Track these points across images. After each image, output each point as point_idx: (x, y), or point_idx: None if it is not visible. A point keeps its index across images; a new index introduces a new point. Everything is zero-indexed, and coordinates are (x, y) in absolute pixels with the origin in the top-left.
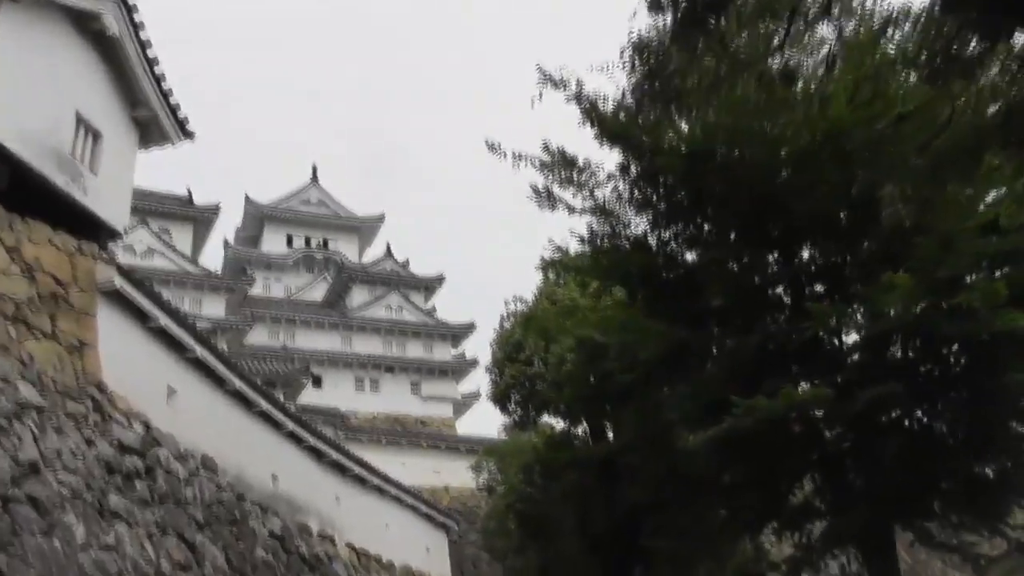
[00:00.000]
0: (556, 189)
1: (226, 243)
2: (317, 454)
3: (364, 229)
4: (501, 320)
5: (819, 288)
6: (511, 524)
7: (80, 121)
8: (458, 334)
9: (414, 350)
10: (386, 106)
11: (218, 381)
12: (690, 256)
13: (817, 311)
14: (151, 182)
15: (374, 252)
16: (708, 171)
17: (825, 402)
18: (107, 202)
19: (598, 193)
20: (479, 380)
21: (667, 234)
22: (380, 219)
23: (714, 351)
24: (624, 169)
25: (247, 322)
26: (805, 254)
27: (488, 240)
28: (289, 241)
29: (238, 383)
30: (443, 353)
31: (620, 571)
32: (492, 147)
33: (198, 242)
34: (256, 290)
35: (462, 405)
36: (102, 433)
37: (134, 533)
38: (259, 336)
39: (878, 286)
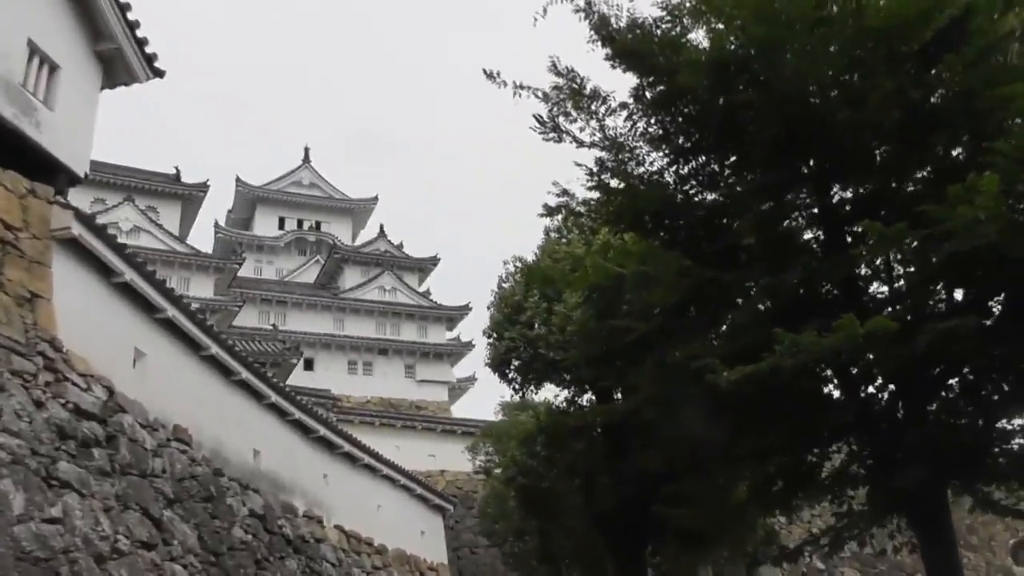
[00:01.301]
0: (562, 121)
1: (217, 225)
2: (303, 429)
3: (357, 211)
4: (499, 281)
5: (857, 229)
6: (511, 501)
7: (34, 51)
8: (453, 316)
9: (408, 332)
10: (372, 93)
11: (192, 345)
12: (711, 196)
13: (875, 230)
14: (138, 161)
15: (367, 235)
16: (736, 88)
17: (886, 338)
18: (65, 141)
19: (609, 123)
20: (475, 364)
21: (686, 169)
22: (374, 201)
23: (740, 295)
24: (639, 96)
25: (236, 302)
26: (842, 194)
27: (482, 226)
28: (281, 224)
29: (215, 348)
30: (438, 336)
31: (629, 550)
32: (490, 76)
33: (186, 221)
34: (247, 272)
35: (457, 389)
36: (55, 395)
37: (87, 505)
38: (249, 318)
39: (950, 197)
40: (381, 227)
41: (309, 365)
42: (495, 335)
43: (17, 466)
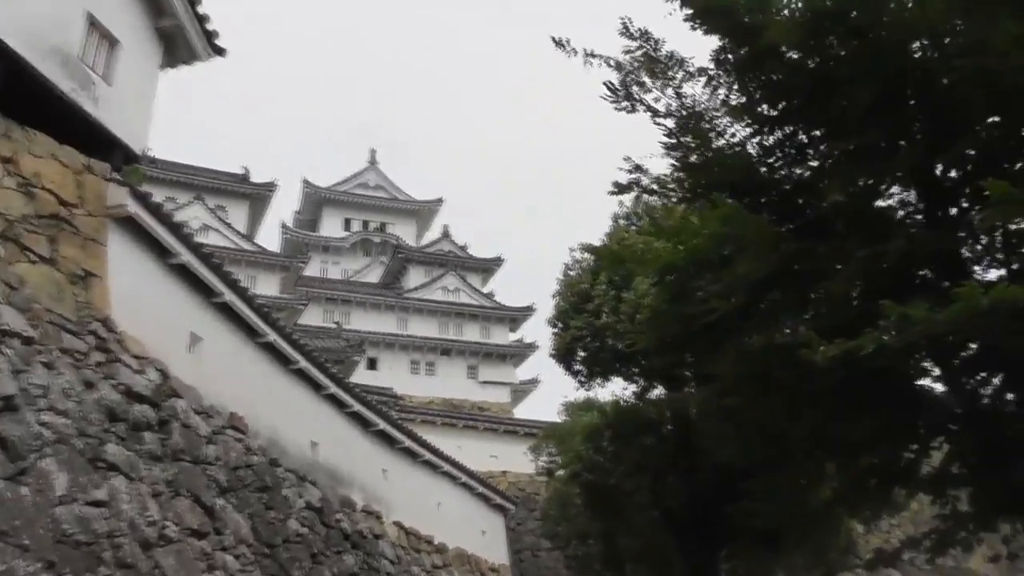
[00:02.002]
0: (636, 91)
1: (284, 226)
2: (362, 422)
3: (422, 213)
4: (565, 269)
5: (964, 204)
6: (576, 500)
7: (93, 24)
8: (516, 317)
9: (471, 333)
10: (397, 95)
11: (249, 332)
12: (798, 170)
13: (999, 190)
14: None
15: (431, 237)
16: (830, 45)
17: (1008, 313)
18: (124, 118)
19: (687, 90)
20: (538, 367)
21: (771, 140)
22: (438, 203)
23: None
24: (720, 60)
25: (301, 301)
26: (945, 165)
27: (545, 229)
28: (347, 225)
29: (272, 335)
30: (501, 337)
31: (701, 552)
32: (559, 43)
33: (254, 220)
34: (313, 272)
35: (520, 392)
36: (106, 375)
37: (134, 489)
38: (314, 317)
39: None
40: (445, 228)
41: (372, 364)
42: (560, 324)
43: (62, 446)
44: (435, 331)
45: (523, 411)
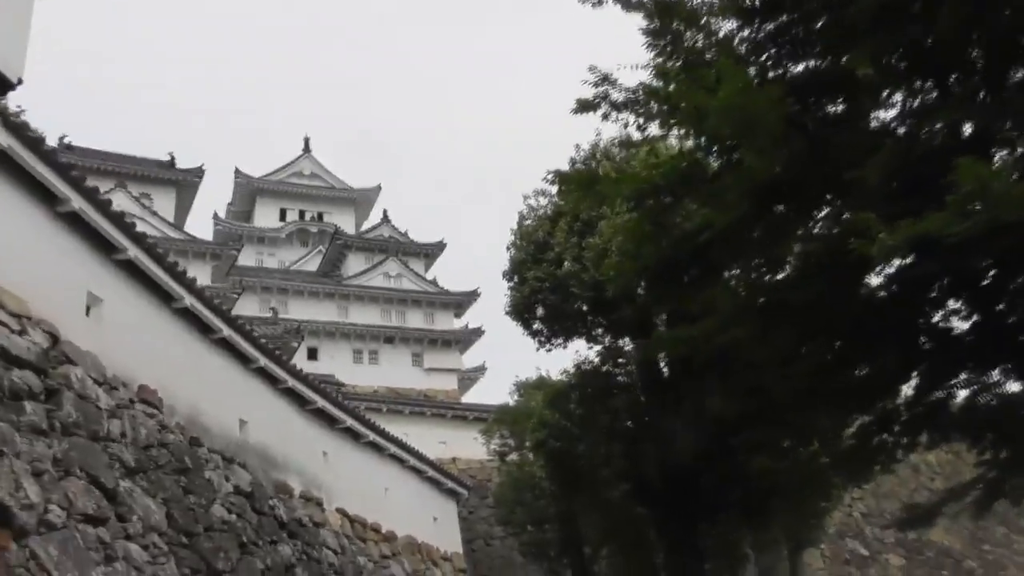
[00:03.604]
0: None
1: (216, 217)
2: (298, 400)
3: (360, 201)
4: (520, 218)
5: None
6: (533, 481)
7: None
8: (461, 302)
9: (415, 319)
10: (375, 90)
11: (162, 296)
12: (797, 67)
13: None
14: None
15: (371, 225)
16: None
17: None
18: None
19: None
20: (484, 353)
21: (762, 33)
22: (376, 190)
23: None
24: None
25: (235, 290)
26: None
27: (488, 221)
28: (282, 215)
29: (189, 299)
30: (446, 323)
31: (677, 526)
32: None
33: (182, 208)
34: (249, 264)
35: (468, 379)
36: None
37: (5, 465)
38: (249, 307)
39: None
40: (384, 212)
41: (313, 355)
42: (516, 277)
43: None
44: (377, 318)
45: (471, 399)
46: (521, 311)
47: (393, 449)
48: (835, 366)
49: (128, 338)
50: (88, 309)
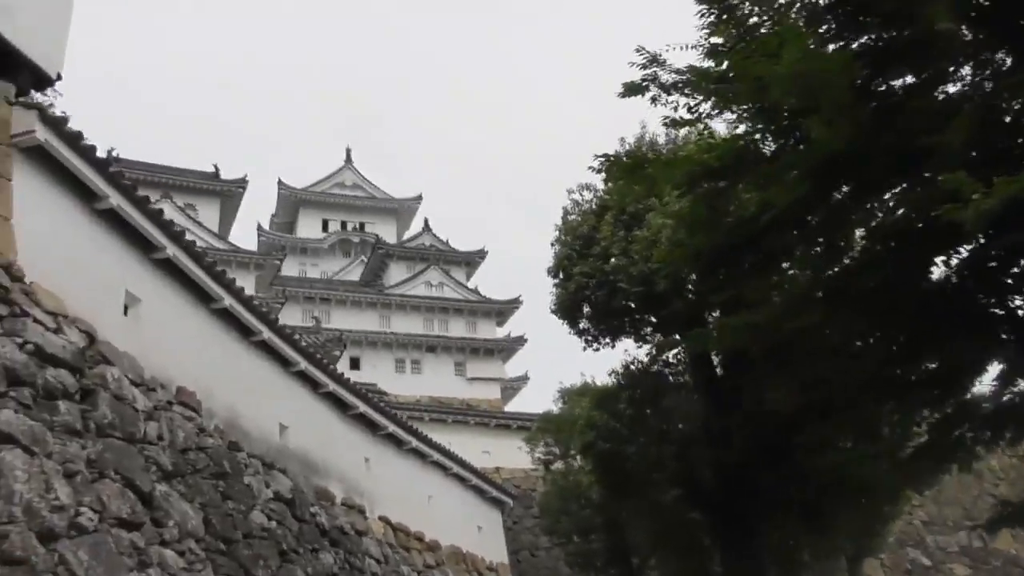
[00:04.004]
0: None
1: (260, 228)
2: (340, 404)
3: (401, 211)
4: (564, 213)
5: None
6: (580, 489)
7: None
8: (503, 311)
9: (457, 328)
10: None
11: (201, 296)
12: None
13: None
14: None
15: (412, 235)
16: None
17: None
18: (33, 34)
19: None
20: (527, 362)
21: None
22: (418, 200)
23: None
24: None
25: (278, 300)
26: None
27: (529, 228)
28: (325, 226)
29: (228, 300)
30: (488, 331)
31: (735, 532)
32: None
33: (225, 218)
34: (291, 275)
35: (510, 389)
36: (7, 331)
37: (36, 466)
38: (292, 317)
39: None
40: (426, 221)
41: (355, 364)
42: (562, 274)
43: None
44: (419, 327)
45: (514, 409)
46: (567, 309)
47: (436, 456)
48: (904, 357)
49: (166, 339)
50: (126, 308)
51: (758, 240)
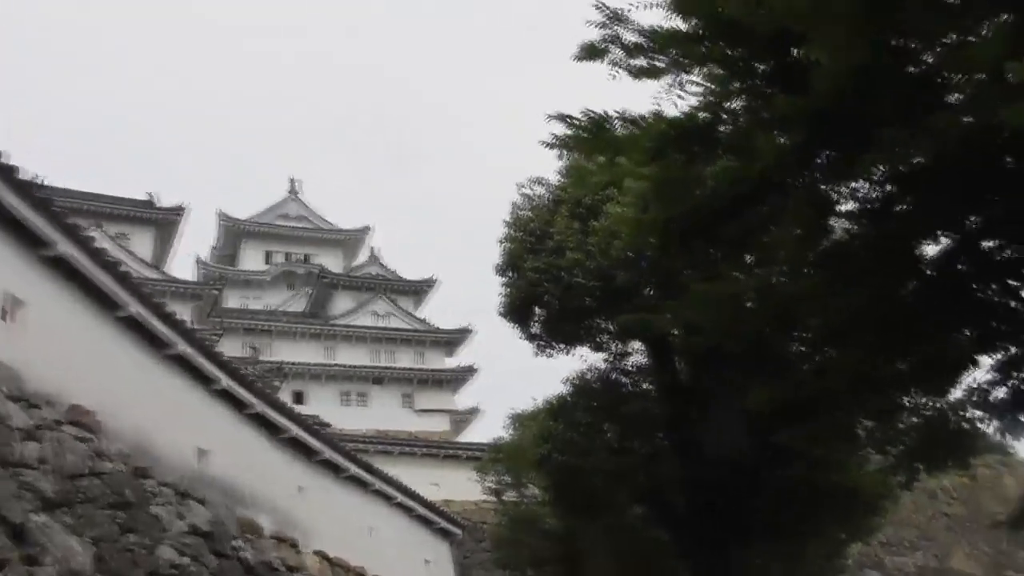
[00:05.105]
0: None
1: (199, 260)
2: (270, 428)
3: (348, 242)
4: (514, 208)
5: None
6: (535, 518)
7: None
8: (453, 340)
9: (404, 359)
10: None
11: (104, 302)
12: None
13: None
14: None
15: (359, 263)
16: None
17: None
18: None
19: None
20: (478, 394)
21: None
22: (365, 231)
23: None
24: None
25: (216, 332)
26: None
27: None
28: (268, 258)
29: (136, 307)
30: (437, 361)
31: (707, 553)
32: None
33: (161, 248)
34: (233, 306)
35: (461, 421)
36: None
37: None
38: (232, 349)
39: None
40: (373, 250)
41: (299, 398)
42: (512, 271)
43: None
44: (366, 359)
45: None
46: (518, 310)
47: (378, 484)
48: (896, 346)
49: (58, 349)
50: (4, 312)
51: (736, 209)
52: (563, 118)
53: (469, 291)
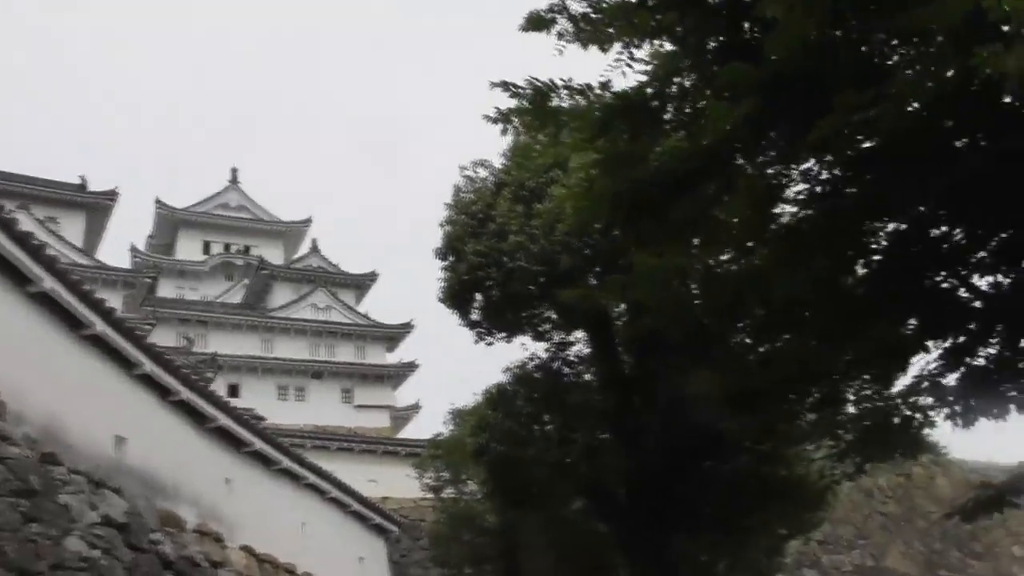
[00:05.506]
0: None
1: (134, 249)
2: (197, 416)
3: (289, 234)
4: (456, 191)
5: None
6: (480, 486)
7: None
8: (394, 336)
9: (344, 354)
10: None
11: (14, 277)
12: None
13: None
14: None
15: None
16: None
17: None
18: None
19: None
20: (419, 390)
21: None
22: (306, 223)
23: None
24: None
25: (148, 321)
26: None
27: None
28: (206, 248)
29: (50, 283)
30: (377, 357)
31: (647, 545)
32: None
33: (93, 233)
34: (168, 296)
35: (401, 418)
36: None
37: None
38: (165, 339)
39: None
40: (314, 242)
41: (234, 391)
42: (452, 256)
43: None
44: (305, 353)
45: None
46: (458, 295)
47: (312, 478)
48: (845, 332)
49: None
50: None
51: (684, 188)
52: (506, 86)
53: (415, 288)
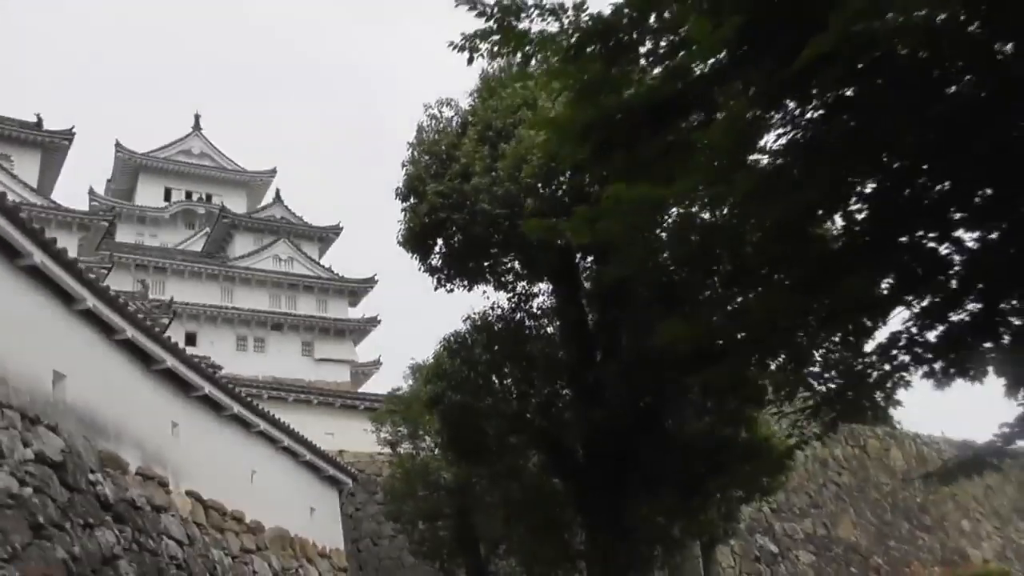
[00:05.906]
0: None
1: (92, 192)
2: (143, 357)
3: (253, 184)
4: (419, 130)
5: None
6: (433, 435)
7: None
8: (357, 290)
9: (306, 306)
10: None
11: None
12: None
13: None
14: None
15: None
16: None
17: None
18: None
19: None
20: (380, 345)
21: None
22: (271, 173)
23: None
24: None
25: (104, 265)
26: None
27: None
28: (167, 195)
29: None
30: (339, 311)
31: (602, 505)
32: None
33: (48, 173)
34: (127, 241)
35: (362, 374)
36: None
37: None
38: (122, 285)
39: None
40: (277, 192)
41: (192, 340)
42: (414, 196)
43: None
44: (265, 304)
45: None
46: (417, 238)
47: (263, 426)
48: (818, 287)
49: None
50: None
51: (660, 122)
52: (473, 4)
53: (382, 248)
